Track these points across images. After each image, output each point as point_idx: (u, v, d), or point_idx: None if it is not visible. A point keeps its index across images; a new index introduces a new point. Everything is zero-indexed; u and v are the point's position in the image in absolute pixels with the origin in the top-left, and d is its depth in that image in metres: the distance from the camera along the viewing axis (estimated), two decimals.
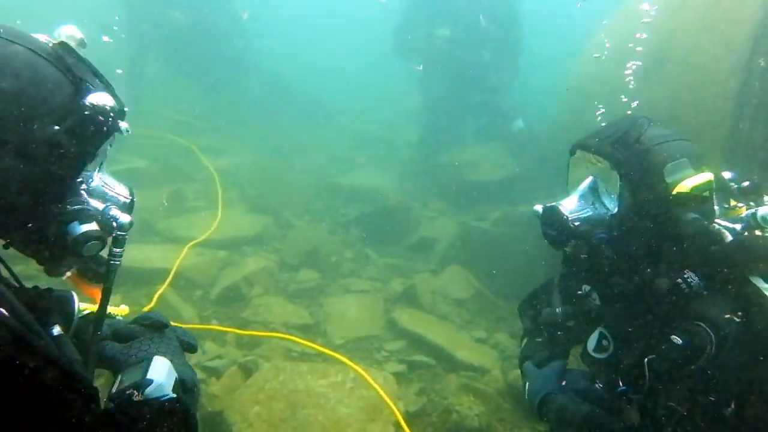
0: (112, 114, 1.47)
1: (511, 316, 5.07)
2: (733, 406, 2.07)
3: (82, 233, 1.48)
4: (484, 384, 3.93)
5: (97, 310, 1.63)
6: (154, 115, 8.46)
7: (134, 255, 4.67)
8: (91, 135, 1.44)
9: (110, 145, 1.60)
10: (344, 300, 5.01)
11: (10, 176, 1.31)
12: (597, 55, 4.40)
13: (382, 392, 3.21)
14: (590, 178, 2.29)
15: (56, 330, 1.49)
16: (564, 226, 2.22)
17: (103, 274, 1.62)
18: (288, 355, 3.97)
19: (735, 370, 2.02)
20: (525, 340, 2.87)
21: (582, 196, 2.28)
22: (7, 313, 1.08)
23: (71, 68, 1.42)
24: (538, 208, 2.39)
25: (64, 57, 1.43)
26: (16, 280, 1.49)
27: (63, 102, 1.38)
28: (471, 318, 5.04)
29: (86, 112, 1.41)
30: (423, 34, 7.36)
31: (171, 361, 1.44)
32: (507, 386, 3.92)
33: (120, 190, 1.68)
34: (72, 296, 1.77)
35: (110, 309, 1.69)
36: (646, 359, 2.11)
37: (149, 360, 1.40)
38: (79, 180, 1.52)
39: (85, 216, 1.50)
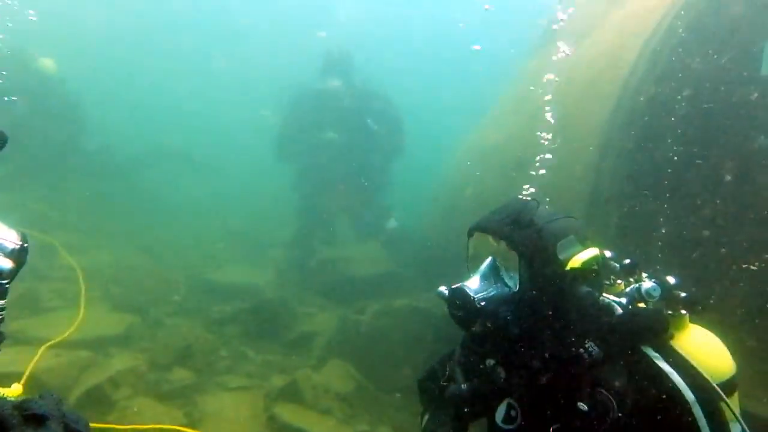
0: None
1: (392, 410, 5.09)
2: None
3: None
4: None
5: None
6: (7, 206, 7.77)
7: None
8: None
9: None
10: (221, 398, 4.74)
11: None
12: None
13: None
14: (490, 258, 2.34)
15: None
16: (471, 306, 2.24)
17: None
18: None
19: None
20: (426, 417, 2.86)
21: (483, 276, 2.31)
22: None
23: None
24: (443, 289, 2.44)
25: None
26: None
27: None
28: (353, 412, 4.95)
29: None
30: (307, 138, 7.59)
31: None
32: None
33: (5, 235, 1.48)
34: None
35: (1, 390, 1.51)
36: (551, 428, 2.15)
37: None
38: None
39: None
